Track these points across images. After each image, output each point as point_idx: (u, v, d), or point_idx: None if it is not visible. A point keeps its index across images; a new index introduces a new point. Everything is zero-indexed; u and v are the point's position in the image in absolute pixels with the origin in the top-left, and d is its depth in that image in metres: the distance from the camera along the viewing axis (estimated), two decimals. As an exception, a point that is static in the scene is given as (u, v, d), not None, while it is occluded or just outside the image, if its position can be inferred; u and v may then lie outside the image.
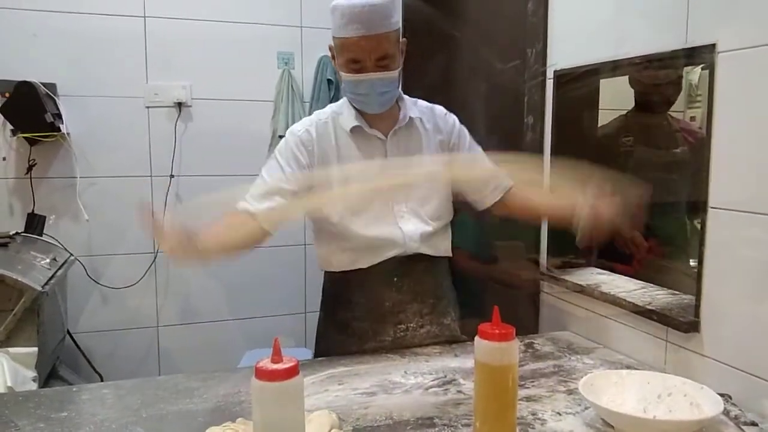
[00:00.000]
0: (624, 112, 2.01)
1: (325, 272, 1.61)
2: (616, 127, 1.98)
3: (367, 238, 1.45)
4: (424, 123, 1.54)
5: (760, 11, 1.16)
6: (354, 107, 1.49)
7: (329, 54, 1.50)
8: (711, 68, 1.25)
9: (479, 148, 1.60)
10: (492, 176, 1.55)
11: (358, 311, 1.52)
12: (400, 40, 1.44)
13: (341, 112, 1.51)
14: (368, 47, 1.36)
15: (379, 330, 1.52)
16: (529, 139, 1.87)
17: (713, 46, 1.25)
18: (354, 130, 1.48)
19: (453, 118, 1.59)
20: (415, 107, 1.54)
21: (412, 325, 1.54)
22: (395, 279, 1.50)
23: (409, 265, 1.50)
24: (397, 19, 1.41)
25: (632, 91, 1.97)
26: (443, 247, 1.56)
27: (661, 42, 1.39)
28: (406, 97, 1.54)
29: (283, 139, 1.51)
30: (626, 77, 1.80)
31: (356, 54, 1.37)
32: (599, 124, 1.86)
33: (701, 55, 1.28)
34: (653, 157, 1.93)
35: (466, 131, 1.59)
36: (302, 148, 1.47)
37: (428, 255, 1.51)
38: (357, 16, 1.34)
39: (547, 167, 1.69)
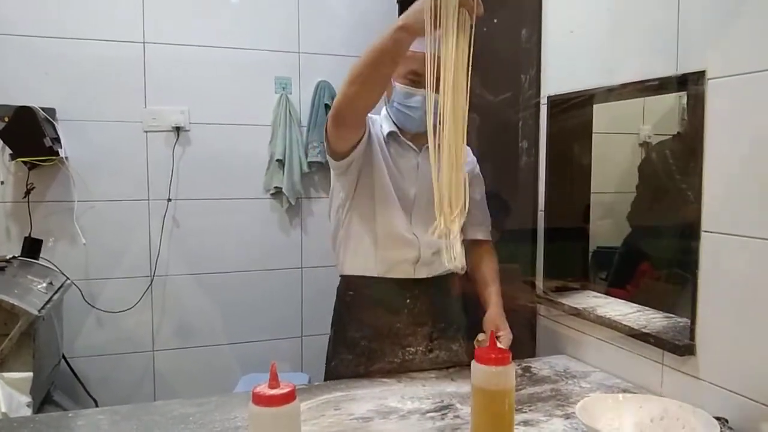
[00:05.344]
0: (624, 136, 2.05)
1: (340, 283, 1.63)
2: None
3: (384, 236, 1.51)
4: None
5: (747, 40, 1.19)
6: (392, 120, 1.57)
7: None
8: (701, 95, 1.28)
9: (484, 197, 1.70)
10: (480, 220, 1.67)
11: (368, 331, 1.55)
12: None
13: (381, 122, 1.59)
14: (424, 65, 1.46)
15: (387, 351, 1.54)
16: (523, 163, 1.89)
17: (703, 73, 1.27)
18: (390, 136, 1.56)
19: (474, 159, 1.69)
20: None
21: (421, 348, 1.56)
22: (407, 300, 1.54)
23: (422, 287, 1.55)
24: None
25: (623, 115, 1.99)
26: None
27: (652, 69, 1.42)
28: None
29: None
30: (619, 102, 1.83)
31: (417, 67, 1.44)
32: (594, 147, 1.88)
33: (692, 81, 1.30)
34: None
35: (482, 178, 1.70)
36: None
37: (439, 276, 1.56)
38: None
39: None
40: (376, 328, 1.54)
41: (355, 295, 1.57)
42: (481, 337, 1.49)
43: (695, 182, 1.29)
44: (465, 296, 1.69)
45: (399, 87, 1.50)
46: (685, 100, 1.80)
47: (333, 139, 1.45)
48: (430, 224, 1.52)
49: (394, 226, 1.52)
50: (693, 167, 1.30)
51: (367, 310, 1.55)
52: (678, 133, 1.85)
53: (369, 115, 1.56)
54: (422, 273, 1.54)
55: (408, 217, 1.54)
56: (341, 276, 1.62)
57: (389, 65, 1.29)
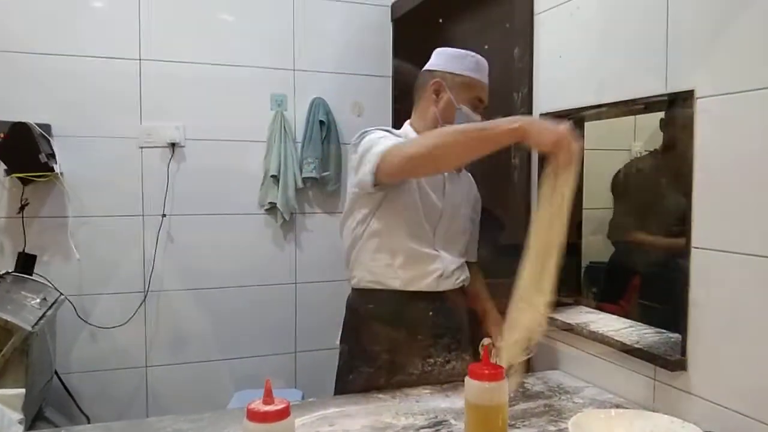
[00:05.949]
0: (616, 151, 2.07)
1: (356, 296, 1.62)
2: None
3: (409, 249, 1.54)
4: (468, 177, 1.76)
5: (735, 59, 1.21)
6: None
7: (433, 85, 1.63)
8: (690, 114, 1.30)
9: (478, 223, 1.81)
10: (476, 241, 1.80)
11: (390, 344, 1.56)
12: None
13: (408, 137, 1.61)
14: (486, 94, 1.67)
15: (408, 363, 1.57)
16: (516, 180, 1.91)
17: (692, 92, 1.30)
18: None
19: (473, 181, 1.80)
20: None
21: (440, 360, 1.59)
22: (430, 313, 1.57)
23: (443, 300, 1.59)
24: None
25: (615, 131, 2.01)
26: (465, 276, 1.67)
27: (642, 88, 1.44)
28: None
29: (375, 132, 1.53)
30: (610, 120, 1.85)
31: (483, 96, 1.66)
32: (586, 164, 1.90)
33: (680, 100, 1.33)
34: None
35: (480, 200, 1.80)
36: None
37: (459, 289, 1.63)
38: (485, 69, 1.67)
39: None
40: (398, 341, 1.56)
41: (376, 309, 1.58)
42: (486, 341, 1.51)
43: (684, 200, 1.31)
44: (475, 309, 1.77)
45: (465, 110, 1.61)
46: (665, 118, 1.83)
47: (383, 178, 1.42)
48: (452, 241, 1.63)
49: (420, 241, 1.55)
50: (682, 184, 1.32)
51: (389, 323, 1.56)
52: (655, 149, 1.88)
53: (394, 133, 1.59)
54: (444, 286, 1.58)
55: (432, 233, 1.58)
56: (358, 290, 1.61)
57: (484, 150, 1.32)
